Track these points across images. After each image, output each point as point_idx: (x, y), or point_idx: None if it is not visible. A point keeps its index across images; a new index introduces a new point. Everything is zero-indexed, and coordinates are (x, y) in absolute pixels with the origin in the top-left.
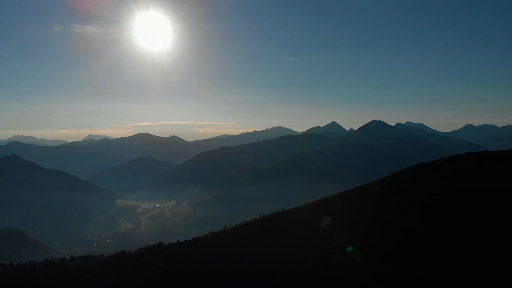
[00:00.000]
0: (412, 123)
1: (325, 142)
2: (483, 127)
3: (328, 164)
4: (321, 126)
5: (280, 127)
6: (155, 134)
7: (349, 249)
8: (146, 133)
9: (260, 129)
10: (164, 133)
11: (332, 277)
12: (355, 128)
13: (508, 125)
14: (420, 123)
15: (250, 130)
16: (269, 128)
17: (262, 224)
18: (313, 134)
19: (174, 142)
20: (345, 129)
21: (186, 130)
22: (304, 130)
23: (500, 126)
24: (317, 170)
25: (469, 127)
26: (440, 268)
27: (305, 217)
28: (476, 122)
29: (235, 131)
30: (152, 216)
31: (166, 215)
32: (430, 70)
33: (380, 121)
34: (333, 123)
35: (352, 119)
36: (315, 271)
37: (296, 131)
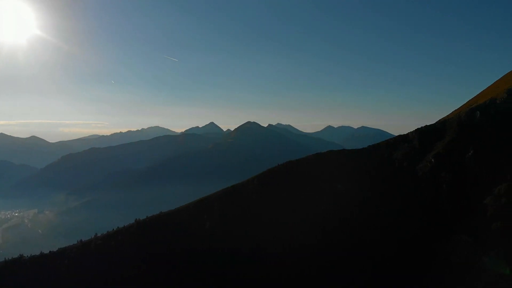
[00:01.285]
0: (282, 124)
1: (204, 142)
2: (342, 128)
3: (207, 164)
4: (200, 126)
5: (157, 127)
6: (11, 134)
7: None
8: (1, 133)
9: (135, 129)
10: (23, 132)
11: (213, 274)
12: (232, 129)
13: (362, 126)
14: (289, 125)
15: (124, 130)
16: (145, 128)
17: (137, 230)
18: (192, 134)
19: (34, 143)
20: (222, 130)
21: (49, 130)
22: (183, 130)
23: (356, 127)
24: (197, 170)
25: (329, 128)
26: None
27: (184, 219)
28: (336, 123)
29: (107, 131)
30: (10, 227)
31: (26, 225)
32: (296, 75)
33: (254, 122)
34: (211, 123)
35: (229, 120)
36: (197, 274)
37: (174, 131)
